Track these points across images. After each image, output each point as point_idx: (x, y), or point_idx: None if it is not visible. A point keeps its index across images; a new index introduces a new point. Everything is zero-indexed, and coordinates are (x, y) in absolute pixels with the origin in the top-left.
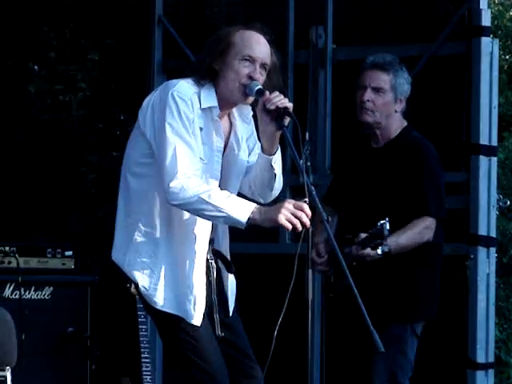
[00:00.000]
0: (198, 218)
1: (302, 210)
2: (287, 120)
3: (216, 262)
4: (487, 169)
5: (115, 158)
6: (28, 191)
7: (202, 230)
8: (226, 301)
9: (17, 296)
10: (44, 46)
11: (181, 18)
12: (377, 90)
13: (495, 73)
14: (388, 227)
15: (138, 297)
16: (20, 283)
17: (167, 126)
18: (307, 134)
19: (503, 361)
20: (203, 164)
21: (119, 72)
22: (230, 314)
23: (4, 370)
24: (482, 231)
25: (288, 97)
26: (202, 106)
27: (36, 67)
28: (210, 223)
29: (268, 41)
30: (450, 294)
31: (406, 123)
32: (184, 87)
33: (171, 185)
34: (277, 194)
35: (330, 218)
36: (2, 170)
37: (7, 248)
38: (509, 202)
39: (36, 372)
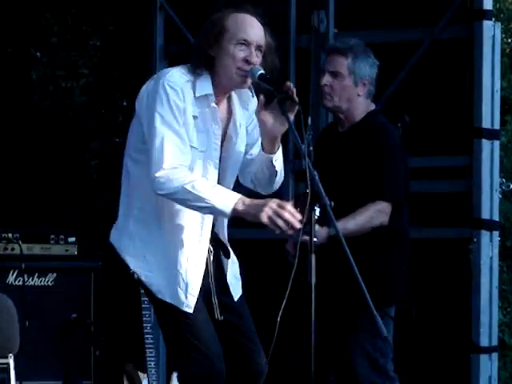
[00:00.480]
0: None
1: (284, 209)
2: (292, 114)
3: (215, 248)
4: (490, 152)
5: (118, 144)
6: (31, 178)
7: (194, 217)
8: (226, 285)
9: (20, 282)
10: (45, 32)
11: (182, 3)
12: (335, 75)
13: (497, 56)
14: (318, 214)
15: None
16: (23, 270)
17: (156, 116)
18: (309, 119)
19: (507, 344)
20: (200, 152)
21: (121, 58)
22: (235, 299)
23: (7, 357)
24: (485, 215)
25: (281, 79)
26: (197, 94)
27: (38, 53)
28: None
29: (261, 22)
30: (453, 278)
31: (373, 107)
32: (175, 76)
33: (157, 175)
34: (277, 187)
35: (332, 203)
36: (4, 156)
37: (10, 234)
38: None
39: (40, 358)
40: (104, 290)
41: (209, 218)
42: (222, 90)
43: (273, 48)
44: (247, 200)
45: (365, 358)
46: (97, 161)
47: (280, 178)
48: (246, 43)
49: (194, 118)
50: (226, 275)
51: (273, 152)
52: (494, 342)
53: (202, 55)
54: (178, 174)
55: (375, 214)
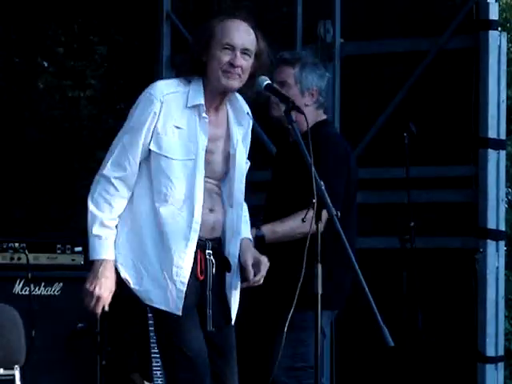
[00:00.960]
0: (183, 215)
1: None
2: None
3: (217, 260)
4: (496, 162)
5: None
6: (37, 187)
7: (180, 221)
8: (225, 301)
9: (26, 292)
10: (52, 41)
11: (189, 13)
12: (282, 84)
13: (503, 66)
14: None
15: None
16: (30, 279)
17: (126, 122)
18: None
19: None
20: (189, 160)
21: (128, 68)
22: (232, 315)
23: (12, 369)
24: (491, 224)
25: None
26: (188, 105)
27: (45, 63)
28: (194, 219)
29: (252, 27)
30: (459, 288)
31: (322, 117)
32: (158, 87)
33: (99, 175)
34: None
35: (338, 213)
36: (11, 165)
37: (17, 244)
38: None
39: (46, 368)
40: (111, 299)
41: (196, 223)
42: (213, 97)
43: (266, 52)
44: (104, 268)
45: (284, 361)
46: None
47: None
48: (231, 47)
49: (178, 127)
50: (225, 292)
51: None
52: (501, 352)
53: (194, 61)
54: (105, 190)
55: (307, 220)
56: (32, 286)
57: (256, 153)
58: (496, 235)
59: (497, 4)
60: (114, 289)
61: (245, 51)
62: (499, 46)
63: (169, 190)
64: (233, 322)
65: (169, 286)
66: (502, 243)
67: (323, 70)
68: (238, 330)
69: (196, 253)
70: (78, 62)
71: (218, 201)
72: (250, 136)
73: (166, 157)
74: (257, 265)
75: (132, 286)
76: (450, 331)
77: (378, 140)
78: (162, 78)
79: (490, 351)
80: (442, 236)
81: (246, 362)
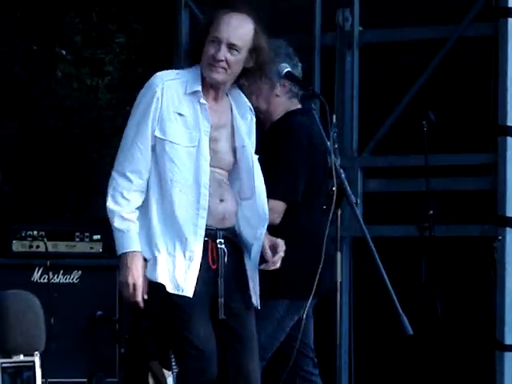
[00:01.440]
0: (190, 200)
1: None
2: None
3: (231, 249)
4: None
5: None
6: (55, 175)
7: (190, 207)
8: (246, 288)
9: (45, 280)
10: (70, 30)
11: (207, 1)
12: None
13: None
14: None
15: None
16: (48, 267)
17: (131, 114)
18: (334, 117)
19: None
20: (193, 147)
21: (146, 56)
22: (254, 303)
23: (32, 355)
24: (510, 212)
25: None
26: (188, 91)
27: (63, 51)
28: (200, 205)
29: (251, 22)
30: (477, 276)
31: (295, 107)
32: (158, 75)
33: (113, 172)
34: None
35: (358, 201)
36: (29, 154)
37: (35, 232)
38: None
39: (65, 356)
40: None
41: (203, 210)
42: (209, 87)
43: (264, 49)
44: (132, 259)
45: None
46: None
47: None
48: (217, 41)
49: (180, 115)
50: (247, 279)
51: None
52: None
53: (194, 50)
54: (123, 187)
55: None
56: (51, 273)
57: None
58: None
59: None
60: (146, 275)
61: (231, 46)
62: None
63: (175, 174)
64: (255, 307)
65: (181, 268)
66: None
67: (296, 59)
68: None
69: (207, 242)
70: (96, 50)
71: (228, 191)
72: (254, 131)
73: (170, 142)
74: (273, 247)
75: (147, 273)
76: (469, 319)
77: (396, 128)
78: (180, 66)
79: (509, 339)
80: (461, 224)
81: None
